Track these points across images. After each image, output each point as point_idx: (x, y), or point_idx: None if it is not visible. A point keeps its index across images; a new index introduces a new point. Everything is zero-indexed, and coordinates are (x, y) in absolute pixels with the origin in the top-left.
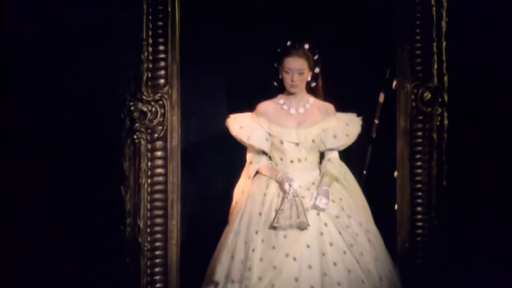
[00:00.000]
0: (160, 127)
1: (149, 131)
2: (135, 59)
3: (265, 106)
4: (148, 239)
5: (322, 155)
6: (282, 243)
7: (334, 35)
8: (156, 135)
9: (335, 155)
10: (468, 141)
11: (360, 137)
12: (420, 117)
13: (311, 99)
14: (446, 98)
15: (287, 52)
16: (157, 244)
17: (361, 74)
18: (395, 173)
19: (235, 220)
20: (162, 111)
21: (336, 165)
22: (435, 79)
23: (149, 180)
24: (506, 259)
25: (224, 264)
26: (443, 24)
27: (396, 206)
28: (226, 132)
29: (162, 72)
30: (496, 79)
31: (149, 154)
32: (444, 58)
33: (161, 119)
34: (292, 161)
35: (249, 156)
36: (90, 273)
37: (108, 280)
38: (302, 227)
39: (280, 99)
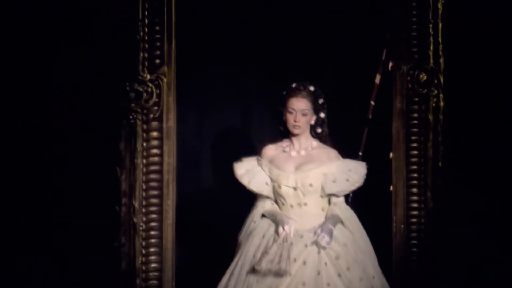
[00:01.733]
0: (155, 108)
1: (145, 111)
2: (131, 39)
3: (269, 149)
4: (144, 219)
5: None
6: (277, 282)
7: (329, 15)
8: (152, 116)
9: (341, 200)
10: (464, 122)
11: (356, 118)
12: (416, 99)
13: (315, 143)
14: (442, 79)
15: (291, 93)
16: (153, 224)
17: (357, 57)
18: (391, 155)
19: (233, 261)
20: (158, 91)
21: (342, 209)
22: (431, 61)
23: (144, 161)
24: (501, 239)
25: None
26: (439, 5)
27: (391, 188)
28: (223, 114)
29: (158, 53)
30: (492, 60)
31: (144, 135)
32: (440, 39)
33: (157, 100)
34: (292, 206)
35: (256, 200)
36: (85, 253)
37: (104, 260)
38: (280, 273)
39: (284, 143)
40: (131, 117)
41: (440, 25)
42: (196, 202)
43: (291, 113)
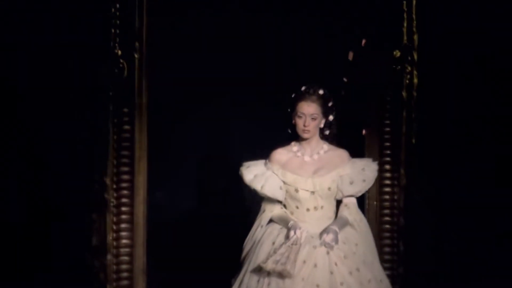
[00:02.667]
0: (127, 83)
1: (116, 87)
2: (102, 15)
3: (279, 153)
4: (115, 195)
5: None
6: (289, 284)
7: None
8: (123, 91)
9: (352, 201)
10: (438, 99)
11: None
12: (390, 75)
13: (326, 146)
14: (415, 56)
15: (301, 96)
16: (124, 200)
17: (330, 34)
18: (364, 131)
19: (242, 268)
20: (130, 67)
21: (352, 212)
22: (405, 37)
23: (115, 137)
24: (475, 213)
25: None
26: None
27: None
28: (197, 90)
29: (130, 28)
30: (466, 37)
31: (116, 110)
32: (414, 16)
33: (128, 75)
34: (308, 209)
35: (263, 204)
36: (56, 231)
37: (75, 236)
38: (284, 274)
39: (294, 147)
40: (102, 92)
41: (414, 1)
42: (167, 178)
43: (300, 117)
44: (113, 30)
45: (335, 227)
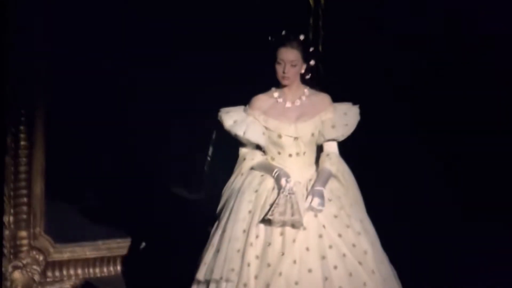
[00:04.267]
0: None
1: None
2: None
3: (260, 100)
4: None
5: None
6: (278, 241)
7: None
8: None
9: (334, 150)
10: (341, 7)
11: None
12: None
13: (307, 91)
14: None
15: (280, 42)
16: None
17: None
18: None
19: (222, 219)
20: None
21: (334, 162)
22: None
23: None
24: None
25: (209, 263)
26: None
27: None
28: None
29: None
30: None
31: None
32: None
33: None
34: (290, 155)
35: (242, 151)
36: None
37: None
38: (296, 225)
39: (275, 92)
40: None
41: None
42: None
43: (279, 64)
44: None
45: (320, 188)
